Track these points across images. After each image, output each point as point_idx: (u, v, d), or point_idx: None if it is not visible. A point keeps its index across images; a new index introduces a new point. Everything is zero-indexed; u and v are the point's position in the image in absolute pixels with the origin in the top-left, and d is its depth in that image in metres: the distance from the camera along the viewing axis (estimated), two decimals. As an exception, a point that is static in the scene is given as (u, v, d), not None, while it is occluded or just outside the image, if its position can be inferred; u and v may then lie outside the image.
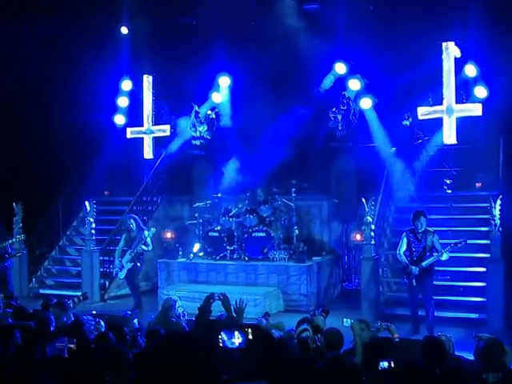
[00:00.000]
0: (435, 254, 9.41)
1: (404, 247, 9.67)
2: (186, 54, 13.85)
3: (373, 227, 10.90)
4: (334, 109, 12.88)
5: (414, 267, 9.43)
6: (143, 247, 11.32)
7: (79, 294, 12.11)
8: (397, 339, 6.22)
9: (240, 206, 12.91)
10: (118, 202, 14.82)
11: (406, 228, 10.00)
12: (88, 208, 12.85)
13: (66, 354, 5.57)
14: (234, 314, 6.43)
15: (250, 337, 5.19)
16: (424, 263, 9.39)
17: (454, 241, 9.65)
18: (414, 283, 9.46)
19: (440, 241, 9.61)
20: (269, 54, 13.20)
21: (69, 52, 14.23)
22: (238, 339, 5.16)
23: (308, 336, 6.00)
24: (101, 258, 13.06)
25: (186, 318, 7.98)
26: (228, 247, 12.58)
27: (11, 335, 5.90)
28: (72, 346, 5.64)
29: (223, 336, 5.17)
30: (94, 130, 14.47)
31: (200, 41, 13.60)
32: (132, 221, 11.59)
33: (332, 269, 12.78)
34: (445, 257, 9.36)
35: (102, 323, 7.00)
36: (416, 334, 9.15)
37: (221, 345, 5.16)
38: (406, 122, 12.40)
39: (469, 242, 9.79)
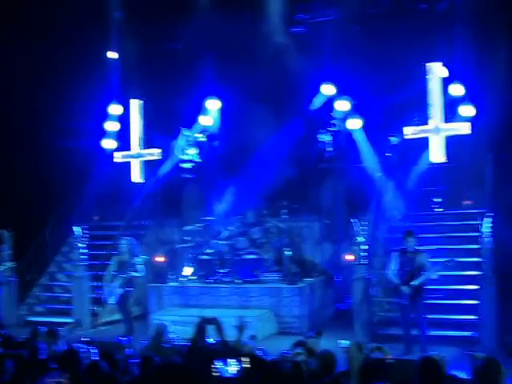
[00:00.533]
0: (424, 273, 9.40)
1: (393, 267, 9.67)
2: (174, 77, 13.94)
3: (364, 247, 10.89)
4: (322, 130, 12.95)
5: (404, 287, 9.42)
6: (134, 274, 11.21)
7: (70, 321, 12.09)
8: (390, 360, 6.17)
9: (231, 228, 12.88)
10: (108, 227, 14.74)
11: (397, 247, 10.00)
12: (77, 233, 12.75)
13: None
14: (233, 335, 6.40)
15: (247, 365, 5.13)
16: (414, 282, 9.36)
17: (443, 259, 9.66)
18: (406, 302, 9.43)
19: (432, 259, 9.61)
20: (257, 76, 13.28)
21: (57, 77, 14.25)
22: (234, 367, 5.10)
23: (303, 360, 5.95)
24: (91, 283, 12.94)
25: (179, 343, 7.90)
26: (220, 270, 12.52)
27: (2, 364, 5.82)
28: (64, 381, 5.54)
29: (218, 365, 5.11)
30: (84, 154, 14.46)
31: (188, 64, 13.70)
32: (124, 242, 11.48)
33: (324, 290, 12.74)
34: (434, 276, 9.36)
35: (94, 350, 6.92)
36: (409, 354, 9.11)
37: (216, 374, 5.09)
38: (394, 140, 12.47)
39: (460, 259, 9.82)
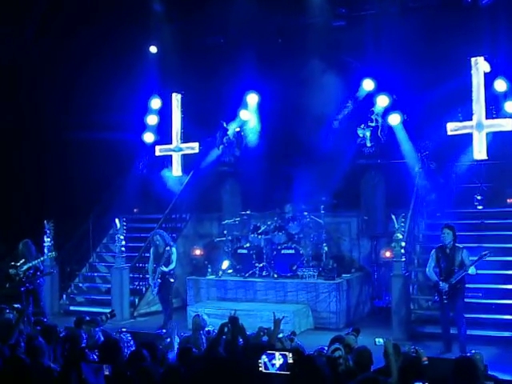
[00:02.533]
0: (462, 270, 9.26)
1: (433, 264, 9.56)
2: (214, 71, 14.01)
3: (403, 244, 10.79)
4: (362, 125, 12.86)
5: (443, 283, 9.30)
6: (163, 268, 11.32)
7: (108, 311, 12.30)
8: (425, 362, 6.11)
9: (269, 223, 12.91)
10: (148, 220, 14.92)
11: (436, 245, 9.86)
12: (118, 225, 12.97)
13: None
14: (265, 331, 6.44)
15: (291, 360, 5.16)
16: (452, 279, 9.24)
17: (496, 258, 9.49)
18: (445, 300, 9.31)
19: (472, 257, 9.45)
20: (297, 71, 13.28)
21: (98, 71, 14.47)
22: (279, 361, 5.15)
23: (340, 355, 5.95)
24: (131, 274, 13.15)
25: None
26: (257, 264, 12.56)
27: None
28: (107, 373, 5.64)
29: (264, 358, 5.17)
30: (124, 147, 14.68)
31: (228, 59, 13.77)
32: (158, 237, 11.64)
33: (362, 286, 12.67)
34: (471, 271, 9.20)
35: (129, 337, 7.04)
36: (448, 353, 9.01)
37: (262, 368, 5.15)
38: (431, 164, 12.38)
39: (501, 258, 9.63)
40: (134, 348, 6.58)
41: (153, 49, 14.82)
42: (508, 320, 10.21)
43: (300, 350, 5.96)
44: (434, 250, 9.65)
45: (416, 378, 5.30)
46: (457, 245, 9.51)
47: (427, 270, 9.66)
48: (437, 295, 9.49)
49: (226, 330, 6.34)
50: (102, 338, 7.30)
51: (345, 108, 13.00)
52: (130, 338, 6.84)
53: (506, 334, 9.99)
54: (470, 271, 9.21)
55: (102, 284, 14.38)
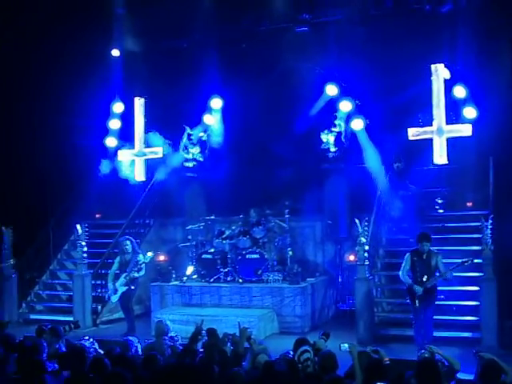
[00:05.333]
0: (438, 274, 9.35)
1: (407, 267, 9.55)
2: (178, 76, 13.94)
3: (366, 248, 10.91)
4: (325, 130, 12.97)
5: (417, 287, 9.30)
6: (135, 274, 11.24)
7: (70, 319, 12.10)
8: (387, 362, 6.20)
9: (233, 227, 12.92)
10: (110, 225, 14.74)
11: (400, 248, 9.98)
12: (79, 231, 12.78)
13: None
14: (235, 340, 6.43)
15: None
16: (428, 283, 9.27)
17: (457, 260, 9.62)
18: (417, 304, 9.32)
19: (444, 261, 9.54)
20: (261, 76, 13.32)
21: (60, 75, 14.25)
22: None
23: (309, 357, 5.99)
24: (93, 281, 12.97)
25: (180, 342, 7.93)
26: (222, 269, 12.55)
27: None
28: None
29: None
30: (86, 152, 14.47)
31: (192, 63, 13.71)
32: (128, 242, 11.54)
33: (326, 290, 12.77)
34: (449, 276, 9.29)
35: (95, 347, 6.96)
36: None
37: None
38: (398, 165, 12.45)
39: (462, 261, 9.80)
40: (95, 355, 6.49)
41: (115, 52, 14.65)
42: (468, 321, 10.44)
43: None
44: (408, 254, 9.62)
45: (378, 379, 5.37)
46: (432, 249, 9.54)
47: (400, 273, 9.65)
48: (409, 298, 9.50)
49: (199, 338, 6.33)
50: (63, 348, 7.19)
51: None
52: (94, 346, 6.74)
53: (467, 334, 10.21)
54: (448, 276, 9.28)
55: (63, 291, 14.13)
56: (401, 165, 12.48)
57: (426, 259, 9.41)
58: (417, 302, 9.34)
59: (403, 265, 9.64)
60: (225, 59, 13.27)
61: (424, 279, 9.33)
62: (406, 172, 12.54)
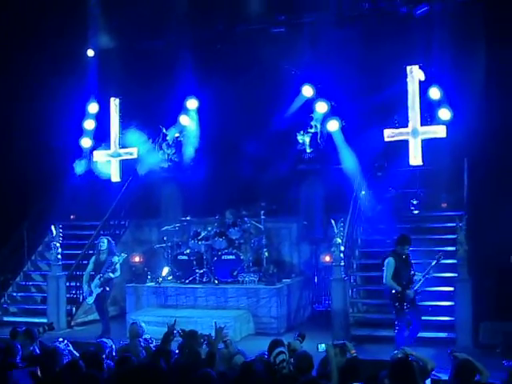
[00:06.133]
0: (418, 274, 9.15)
1: (391, 273, 9.12)
2: (153, 76, 13.85)
3: (342, 248, 10.95)
4: (301, 131, 13.00)
5: (409, 291, 9.02)
6: (110, 274, 11.14)
7: (45, 321, 11.93)
8: (354, 354, 6.22)
9: (209, 228, 12.87)
10: (85, 227, 14.60)
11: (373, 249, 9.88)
12: (54, 232, 12.63)
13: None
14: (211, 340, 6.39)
15: None
16: (416, 287, 9.07)
17: (431, 261, 9.62)
18: (407, 309, 9.09)
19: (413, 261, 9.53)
20: (237, 77, 13.30)
21: (34, 75, 14.09)
22: None
23: (284, 359, 5.97)
24: (67, 283, 12.82)
25: (154, 343, 7.86)
26: (197, 270, 12.50)
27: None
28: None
29: None
30: (61, 152, 14.31)
31: (168, 64, 13.64)
32: (105, 240, 11.40)
33: (302, 291, 12.78)
34: (429, 276, 9.17)
35: (69, 349, 6.87)
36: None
37: None
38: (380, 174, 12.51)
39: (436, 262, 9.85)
40: (69, 357, 6.41)
41: (90, 52, 14.51)
42: (444, 321, 10.51)
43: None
44: (391, 259, 9.20)
45: (353, 380, 5.38)
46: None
47: (386, 280, 9.20)
48: (397, 303, 9.14)
49: (171, 338, 6.28)
50: (38, 350, 7.09)
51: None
52: (67, 348, 6.65)
53: (442, 334, 10.30)
54: (429, 275, 9.13)
55: (37, 293, 13.97)
56: (382, 173, 12.46)
57: (406, 261, 9.24)
58: (406, 305, 9.04)
59: (387, 270, 9.16)
60: (200, 60, 13.23)
61: (409, 282, 9.09)
62: (387, 175, 12.58)
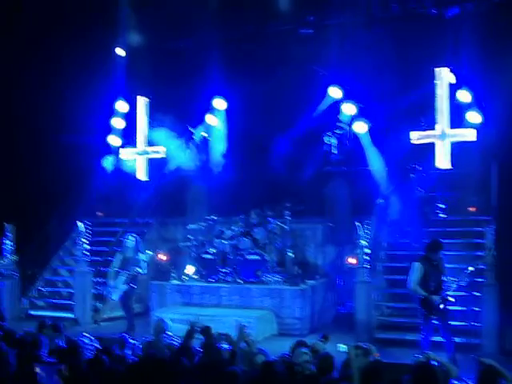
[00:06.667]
0: (451, 279, 8.95)
1: (418, 277, 8.97)
2: (182, 76, 13.95)
3: (367, 251, 10.89)
4: (328, 133, 12.96)
5: (435, 297, 8.88)
6: (138, 270, 11.24)
7: (71, 316, 12.12)
8: (378, 357, 6.19)
9: (234, 228, 12.89)
10: (112, 223, 14.75)
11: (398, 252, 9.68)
12: (81, 228, 12.79)
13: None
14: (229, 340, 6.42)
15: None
16: (449, 292, 8.88)
17: (458, 265, 9.46)
18: (434, 316, 8.94)
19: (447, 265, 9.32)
20: (265, 77, 13.32)
21: (64, 73, 14.28)
22: None
23: (307, 360, 5.97)
24: (94, 279, 12.97)
25: (178, 341, 7.91)
26: (222, 270, 12.53)
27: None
28: (63, 371, 5.59)
29: None
30: (89, 150, 14.49)
31: (196, 63, 13.72)
32: (131, 237, 11.51)
33: (326, 292, 12.72)
34: (463, 283, 9.02)
35: (96, 345, 6.96)
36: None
37: None
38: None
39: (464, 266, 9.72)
40: (94, 352, 6.50)
41: (120, 51, 14.66)
42: (468, 327, 10.30)
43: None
44: (418, 264, 9.03)
45: (376, 382, 5.35)
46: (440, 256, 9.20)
47: (411, 284, 9.05)
48: (424, 309, 9.01)
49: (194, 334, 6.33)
50: (63, 344, 7.19)
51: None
52: (91, 343, 6.75)
53: (466, 340, 10.13)
54: (462, 283, 8.93)
55: (63, 288, 14.13)
56: (415, 175, 12.19)
57: (437, 267, 9.01)
58: (434, 312, 8.89)
59: (414, 274, 9.01)
60: (229, 60, 13.26)
61: (438, 287, 8.90)
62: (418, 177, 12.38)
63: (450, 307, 9.73)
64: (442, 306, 8.93)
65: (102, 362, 5.76)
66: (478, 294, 10.29)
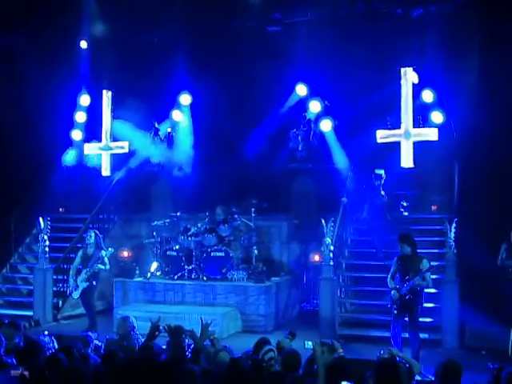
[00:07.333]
0: (414, 278, 8.81)
1: (392, 271, 9.13)
2: (147, 70, 13.79)
3: (332, 248, 10.96)
4: (294, 130, 13.00)
5: (393, 292, 8.95)
6: (100, 266, 11.07)
7: (31, 314, 11.87)
8: (341, 354, 6.21)
9: (199, 225, 12.82)
10: (74, 220, 14.50)
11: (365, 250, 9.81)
12: (42, 225, 12.56)
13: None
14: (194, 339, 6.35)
15: None
16: (404, 288, 8.88)
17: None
18: (395, 311, 8.98)
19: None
20: (231, 74, 13.29)
21: (25, 65, 13.99)
22: None
23: (273, 357, 5.96)
24: (54, 276, 12.75)
25: (141, 339, 7.81)
26: (186, 267, 12.46)
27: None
28: (26, 373, 5.46)
29: None
30: (51, 144, 14.22)
31: (162, 57, 13.59)
32: (92, 234, 11.31)
33: (290, 289, 12.77)
34: (418, 282, 8.80)
35: (55, 344, 6.81)
36: None
37: None
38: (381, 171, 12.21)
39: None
40: (53, 351, 6.36)
41: (83, 44, 14.41)
42: (427, 323, 10.38)
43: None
44: (395, 258, 9.23)
45: (340, 378, 5.37)
46: (418, 253, 9.21)
47: (388, 276, 9.23)
48: (389, 303, 9.14)
49: (157, 334, 6.24)
50: (22, 343, 7.02)
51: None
52: (51, 341, 6.60)
53: (426, 336, 10.26)
54: (416, 282, 8.81)
55: (23, 286, 13.85)
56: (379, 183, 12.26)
57: (408, 263, 9.00)
58: (394, 307, 8.97)
59: (391, 268, 9.22)
60: (195, 55, 13.19)
61: (401, 284, 8.93)
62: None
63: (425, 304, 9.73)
64: (397, 301, 8.96)
65: (61, 361, 5.62)
66: (435, 290, 10.37)
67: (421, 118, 11.99)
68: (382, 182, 11.90)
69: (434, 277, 10.41)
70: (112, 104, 14.47)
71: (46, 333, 7.15)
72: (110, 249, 11.31)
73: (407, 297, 8.91)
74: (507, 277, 10.24)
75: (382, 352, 6.69)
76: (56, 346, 6.75)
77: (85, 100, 14.49)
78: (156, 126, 14.01)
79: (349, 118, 12.54)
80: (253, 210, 12.59)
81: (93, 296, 11.36)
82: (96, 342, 7.04)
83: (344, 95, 12.48)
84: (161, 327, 6.54)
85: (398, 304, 8.97)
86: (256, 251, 12.54)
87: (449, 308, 10.23)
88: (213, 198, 13.07)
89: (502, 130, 11.65)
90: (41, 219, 12.60)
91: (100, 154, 14.46)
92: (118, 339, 7.51)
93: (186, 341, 6.57)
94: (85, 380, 5.16)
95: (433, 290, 10.34)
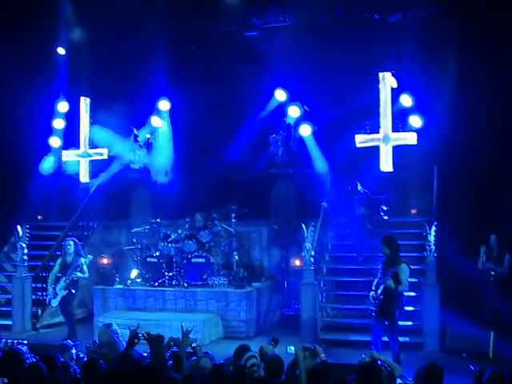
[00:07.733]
0: (386, 281, 8.89)
1: (378, 274, 9.21)
2: (125, 76, 13.72)
3: (312, 253, 10.96)
4: (274, 135, 13.01)
5: (371, 293, 9.08)
6: (79, 274, 10.94)
7: (9, 323, 11.67)
8: (324, 358, 6.21)
9: (179, 231, 12.76)
10: (52, 227, 14.35)
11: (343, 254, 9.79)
12: (20, 233, 12.40)
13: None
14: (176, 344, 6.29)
15: None
16: (379, 291, 8.96)
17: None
18: (373, 313, 9.11)
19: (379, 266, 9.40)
20: (209, 79, 13.27)
21: (2, 72, 13.85)
22: None
23: (255, 363, 5.92)
24: (33, 284, 12.58)
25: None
26: (167, 273, 12.39)
27: None
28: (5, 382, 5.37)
29: None
30: (29, 152, 14.06)
31: (140, 63, 13.53)
32: (71, 242, 11.18)
33: (272, 294, 12.76)
34: (387, 284, 8.87)
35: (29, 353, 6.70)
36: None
37: None
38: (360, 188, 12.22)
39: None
40: (30, 361, 6.25)
41: (60, 50, 14.29)
42: (406, 326, 10.41)
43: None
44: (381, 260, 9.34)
45: (322, 383, 5.36)
46: (400, 256, 9.25)
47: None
48: (370, 306, 9.21)
49: (136, 341, 6.15)
50: (1, 353, 6.91)
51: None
52: (28, 351, 6.50)
53: (405, 339, 10.29)
54: (387, 283, 8.83)
55: (1, 295, 13.65)
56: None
57: (387, 265, 9.07)
58: (372, 310, 9.08)
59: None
60: (173, 61, 13.15)
61: (377, 287, 9.03)
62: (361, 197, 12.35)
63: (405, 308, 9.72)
64: (374, 302, 9.05)
65: (41, 370, 5.53)
66: (414, 294, 10.42)
67: (400, 122, 12.07)
68: (359, 195, 11.95)
69: (413, 280, 10.58)
70: (90, 110, 14.38)
71: (25, 342, 7.06)
72: (89, 256, 11.21)
73: (381, 297, 8.98)
74: (488, 279, 10.35)
75: (363, 356, 6.69)
76: (31, 356, 6.64)
77: (63, 106, 14.37)
78: (135, 132, 13.92)
79: (328, 122, 12.59)
80: (233, 215, 12.57)
81: (72, 304, 11.23)
82: (73, 350, 6.94)
83: (323, 100, 12.53)
84: (140, 335, 6.47)
85: (374, 305, 9.08)
86: (237, 257, 12.51)
87: (429, 311, 10.29)
88: (193, 204, 13.02)
89: (479, 134, 11.77)
90: (19, 227, 12.47)
91: (79, 161, 14.33)
92: (98, 346, 7.41)
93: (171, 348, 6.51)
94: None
95: (413, 294, 10.43)
